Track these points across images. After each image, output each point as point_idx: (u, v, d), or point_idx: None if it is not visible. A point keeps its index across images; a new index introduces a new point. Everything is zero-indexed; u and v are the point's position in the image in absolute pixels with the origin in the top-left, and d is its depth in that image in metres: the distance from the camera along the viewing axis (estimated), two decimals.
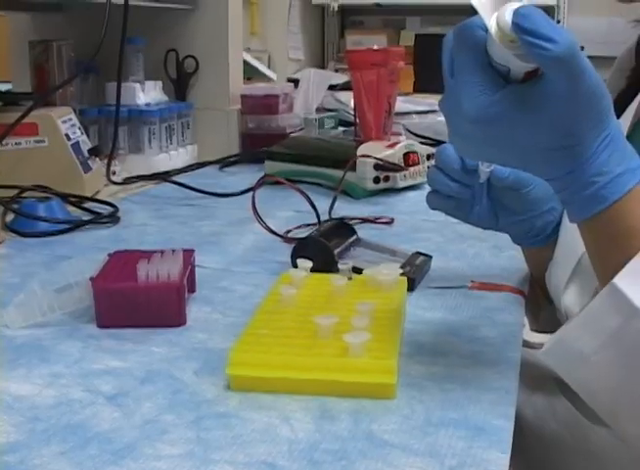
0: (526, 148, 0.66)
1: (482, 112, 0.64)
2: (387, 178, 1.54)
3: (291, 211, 1.38)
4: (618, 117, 0.96)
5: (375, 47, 1.85)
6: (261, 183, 1.22)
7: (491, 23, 0.63)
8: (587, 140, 0.65)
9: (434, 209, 0.94)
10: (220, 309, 0.96)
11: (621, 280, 0.66)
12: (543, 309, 1.11)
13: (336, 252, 1.05)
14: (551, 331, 1.03)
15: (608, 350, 0.67)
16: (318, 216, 1.23)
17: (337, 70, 3.31)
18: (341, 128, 2.26)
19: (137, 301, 0.89)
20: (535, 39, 0.60)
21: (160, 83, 1.91)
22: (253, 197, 1.20)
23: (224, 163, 1.92)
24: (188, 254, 0.98)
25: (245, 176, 1.77)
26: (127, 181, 1.68)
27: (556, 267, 1.01)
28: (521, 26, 0.60)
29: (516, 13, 0.61)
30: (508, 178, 0.91)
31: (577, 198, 0.68)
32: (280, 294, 0.88)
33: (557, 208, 0.97)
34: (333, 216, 1.37)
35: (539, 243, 1.01)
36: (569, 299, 0.97)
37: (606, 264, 0.70)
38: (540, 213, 0.97)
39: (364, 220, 1.36)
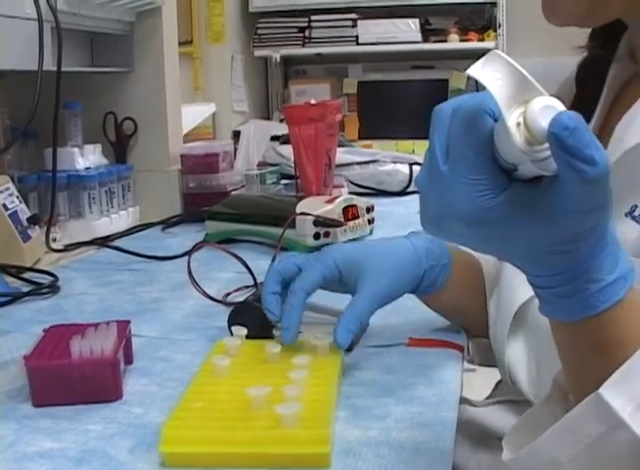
0: (519, 248, 0.61)
1: (480, 215, 0.59)
2: (327, 234, 1.55)
3: (232, 273, 1.38)
4: None
5: (312, 101, 1.87)
6: (198, 248, 1.22)
7: (511, 119, 0.55)
8: (587, 246, 0.60)
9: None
10: (158, 381, 0.95)
11: (606, 391, 0.62)
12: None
13: None
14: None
15: (586, 457, 0.63)
16: (255, 280, 1.22)
17: (281, 121, 3.33)
18: (284, 181, 2.27)
19: (71, 377, 0.88)
20: (575, 160, 0.53)
21: (99, 147, 1.91)
22: (189, 263, 1.19)
23: (167, 223, 1.92)
24: (123, 325, 0.98)
25: (187, 237, 1.77)
26: (68, 248, 1.67)
27: (496, 322, 1.01)
28: (562, 142, 0.53)
29: (556, 122, 0.53)
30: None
31: (563, 301, 0.63)
32: (213, 364, 0.87)
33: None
34: None
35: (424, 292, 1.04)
36: (512, 355, 0.97)
37: (586, 370, 0.66)
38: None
39: None
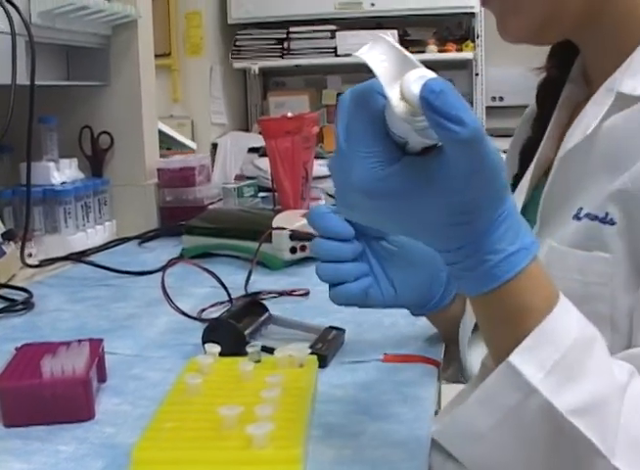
0: (419, 221, 0.64)
1: (374, 185, 0.63)
2: (303, 248, 1.54)
3: (207, 288, 1.37)
4: (525, 167, 0.98)
5: (289, 114, 1.87)
6: (172, 264, 1.21)
7: (392, 93, 0.59)
8: (483, 217, 0.63)
9: (341, 304, 0.87)
10: (130, 400, 0.94)
11: (516, 358, 0.65)
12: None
13: (247, 332, 1.04)
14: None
15: (503, 427, 0.66)
16: (229, 296, 1.22)
17: (260, 133, 3.31)
18: (262, 194, 2.27)
19: (43, 397, 0.87)
20: (444, 120, 0.57)
21: (75, 161, 1.90)
22: (163, 279, 1.18)
23: (143, 238, 1.91)
24: (95, 344, 0.97)
25: (164, 251, 1.76)
26: (43, 264, 1.65)
27: (462, 325, 1.01)
28: (430, 104, 0.56)
29: (425, 87, 0.57)
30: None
31: (469, 274, 0.66)
32: (185, 383, 0.86)
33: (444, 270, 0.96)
34: (250, 290, 1.38)
35: (434, 308, 1.02)
36: (472, 357, 0.98)
37: (498, 341, 0.69)
38: (428, 278, 0.98)
39: (280, 294, 1.35)
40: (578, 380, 0.65)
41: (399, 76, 0.60)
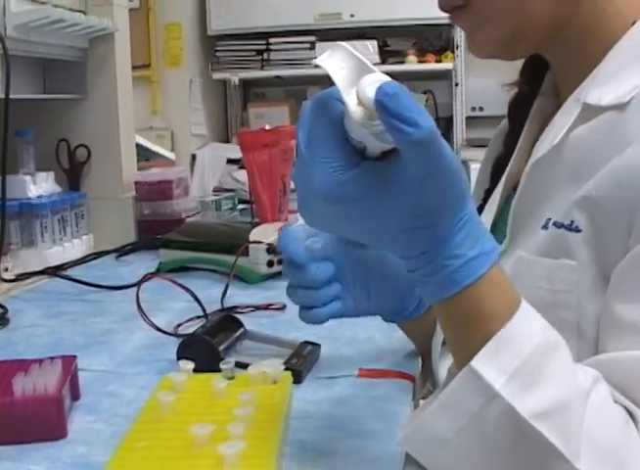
0: (379, 227, 0.65)
1: (334, 190, 0.63)
2: (280, 261, 1.54)
3: (184, 302, 1.36)
4: (497, 181, 0.98)
5: (266, 127, 1.86)
6: (146, 280, 1.21)
7: (349, 99, 0.60)
8: (442, 222, 0.63)
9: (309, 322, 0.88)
10: (104, 417, 0.94)
11: (478, 362, 0.65)
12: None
13: (221, 348, 1.04)
14: None
15: (467, 432, 0.66)
16: (204, 311, 1.21)
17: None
18: (241, 206, 2.26)
19: (14, 416, 0.86)
20: (398, 122, 0.57)
21: (51, 174, 1.89)
22: (137, 295, 1.18)
23: (121, 251, 1.90)
24: (68, 361, 0.96)
25: (142, 265, 1.76)
26: (19, 278, 1.65)
27: (435, 338, 1.01)
28: (384, 106, 0.57)
29: (380, 90, 0.58)
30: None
31: (430, 280, 0.66)
32: (158, 401, 0.86)
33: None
34: (226, 304, 1.37)
35: (409, 316, 1.01)
36: (443, 369, 0.98)
37: (460, 347, 0.69)
38: (402, 288, 0.97)
39: (256, 308, 1.35)
40: (541, 385, 0.65)
41: (357, 82, 0.60)
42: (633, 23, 0.82)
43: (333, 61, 0.62)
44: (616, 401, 0.69)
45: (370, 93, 0.58)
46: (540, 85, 0.98)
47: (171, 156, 2.60)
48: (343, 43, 0.63)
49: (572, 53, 0.88)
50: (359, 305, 0.92)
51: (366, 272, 0.92)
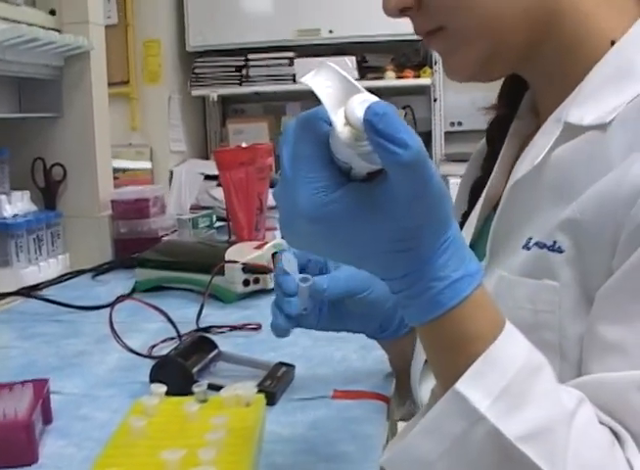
0: (363, 248, 0.64)
1: (318, 210, 0.62)
2: (256, 280, 1.53)
3: (159, 322, 1.36)
4: (474, 204, 0.98)
5: (243, 145, 1.86)
6: (119, 301, 1.20)
7: (336, 119, 0.59)
8: (427, 244, 0.63)
9: (279, 337, 0.93)
10: (76, 441, 0.93)
11: (462, 384, 0.65)
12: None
13: (194, 370, 1.03)
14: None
15: (452, 454, 0.66)
16: (178, 333, 1.21)
17: None
18: (219, 223, 2.26)
19: None
20: (387, 143, 0.57)
21: (27, 193, 1.88)
22: (111, 317, 1.17)
23: (97, 271, 1.89)
24: (40, 385, 0.96)
25: (118, 284, 1.75)
26: None
27: (414, 361, 1.01)
28: (374, 126, 0.57)
29: (369, 110, 0.57)
30: (327, 291, 0.93)
31: (414, 302, 0.65)
32: (130, 425, 0.85)
33: None
34: (202, 324, 1.36)
35: (391, 336, 1.02)
36: (423, 391, 0.97)
37: (445, 369, 0.69)
38: (384, 311, 0.98)
39: (232, 328, 1.34)
40: (526, 407, 0.65)
41: (344, 102, 0.60)
42: (612, 42, 0.82)
43: (319, 80, 0.62)
44: (601, 423, 0.69)
45: (359, 113, 0.58)
46: (518, 106, 0.98)
47: (147, 164, 2.59)
48: (330, 63, 0.62)
49: (552, 72, 0.87)
50: (336, 322, 0.95)
51: (342, 312, 0.96)
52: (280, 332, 0.92)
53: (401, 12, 0.84)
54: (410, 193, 0.60)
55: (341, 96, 0.61)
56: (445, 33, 0.85)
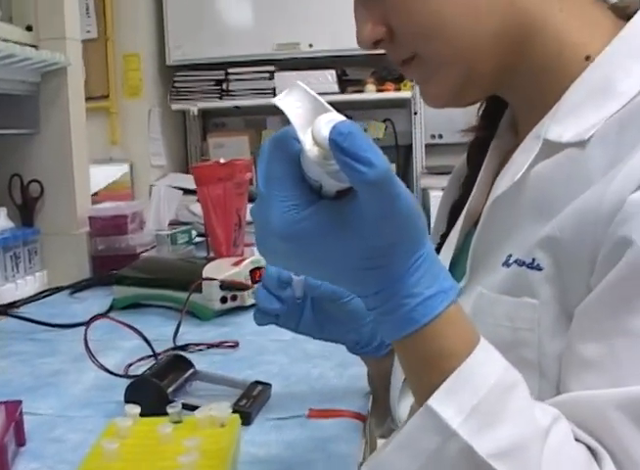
0: (336, 265, 0.65)
1: (289, 228, 0.63)
2: (234, 297, 1.53)
3: (136, 340, 1.34)
4: (453, 224, 0.98)
5: (221, 160, 1.86)
6: (94, 320, 1.19)
7: (305, 138, 0.61)
8: (398, 262, 0.64)
9: (260, 324, 0.95)
10: (49, 464, 0.92)
11: (435, 401, 0.65)
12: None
13: (170, 390, 1.03)
14: None
15: None
16: (154, 352, 1.20)
17: None
18: (198, 239, 2.25)
19: None
20: (352, 161, 0.58)
21: (4, 210, 1.86)
22: (86, 336, 1.16)
23: (75, 288, 1.87)
24: (13, 406, 0.95)
25: (96, 301, 1.74)
26: None
27: (393, 378, 1.01)
28: (339, 145, 0.58)
29: (334, 129, 0.59)
30: (321, 287, 0.94)
31: (388, 318, 0.66)
32: (102, 448, 0.84)
33: None
34: (179, 342, 1.36)
35: (372, 353, 1.02)
36: (402, 409, 0.97)
37: (419, 385, 0.69)
38: (365, 324, 0.98)
39: (209, 346, 1.34)
40: (498, 424, 0.65)
41: (312, 122, 0.61)
42: (587, 57, 0.82)
43: (289, 100, 0.63)
44: (578, 440, 0.69)
45: (325, 132, 0.59)
46: (498, 124, 0.98)
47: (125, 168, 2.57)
48: (301, 83, 0.63)
49: (529, 91, 0.88)
50: (315, 327, 0.98)
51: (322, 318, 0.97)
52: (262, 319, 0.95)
53: (375, 44, 0.86)
54: (377, 212, 0.61)
55: (309, 116, 0.62)
56: (419, 61, 0.86)
